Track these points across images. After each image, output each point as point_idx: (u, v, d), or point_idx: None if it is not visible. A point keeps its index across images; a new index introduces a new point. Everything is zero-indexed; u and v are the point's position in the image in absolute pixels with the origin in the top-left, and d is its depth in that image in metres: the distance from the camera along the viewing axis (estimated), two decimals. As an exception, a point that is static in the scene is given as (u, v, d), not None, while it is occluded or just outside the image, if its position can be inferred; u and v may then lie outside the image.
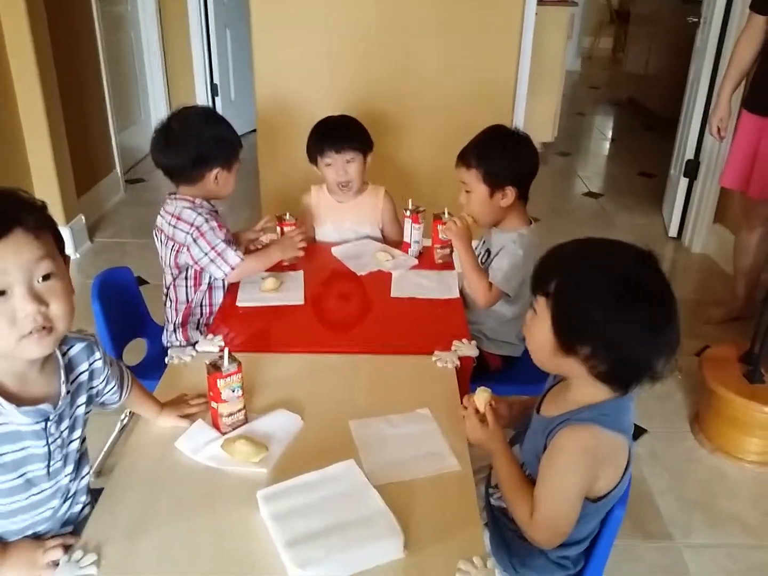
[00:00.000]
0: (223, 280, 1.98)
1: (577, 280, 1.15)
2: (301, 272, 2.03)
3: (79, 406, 1.16)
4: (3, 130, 3.11)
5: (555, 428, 1.20)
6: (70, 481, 1.16)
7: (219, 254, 1.91)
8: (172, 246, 1.96)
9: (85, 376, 1.17)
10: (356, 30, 3.06)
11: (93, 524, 1.12)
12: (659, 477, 2.20)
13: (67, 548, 1.07)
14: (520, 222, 1.96)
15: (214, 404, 1.31)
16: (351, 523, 1.10)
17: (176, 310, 2.03)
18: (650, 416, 2.45)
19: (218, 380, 1.27)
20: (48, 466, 1.09)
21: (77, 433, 1.16)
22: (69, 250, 3.47)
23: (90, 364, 1.18)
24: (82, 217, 3.62)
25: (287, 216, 2.15)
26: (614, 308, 1.10)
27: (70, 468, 1.15)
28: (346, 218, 2.32)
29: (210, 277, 2.00)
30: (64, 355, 1.13)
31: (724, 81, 2.77)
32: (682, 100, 4.02)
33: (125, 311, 2.00)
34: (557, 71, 5.35)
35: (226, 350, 1.30)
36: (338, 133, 2.23)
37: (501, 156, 1.88)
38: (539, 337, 1.19)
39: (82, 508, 1.21)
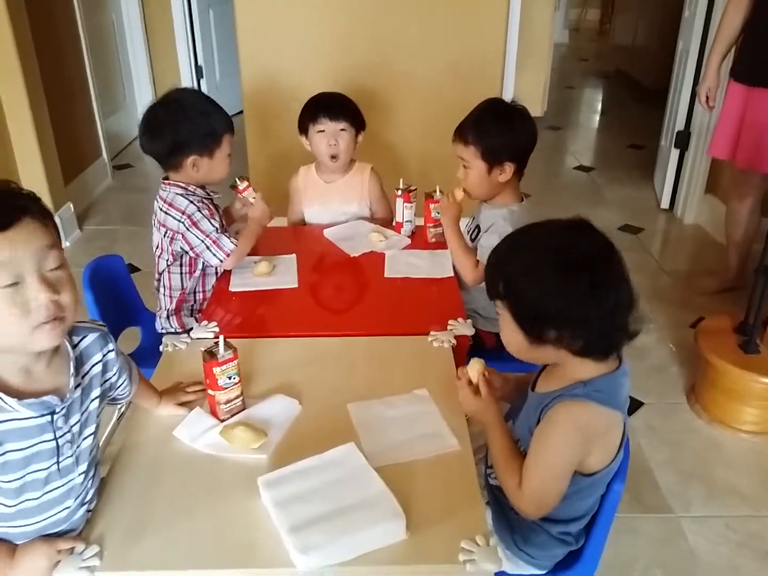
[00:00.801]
0: (216, 267, 1.97)
1: (517, 273, 1.18)
2: (293, 255, 2.02)
3: (92, 401, 1.12)
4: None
5: (549, 403, 1.20)
6: (85, 480, 1.12)
7: (214, 241, 1.90)
8: (165, 232, 1.94)
9: (98, 368, 1.14)
10: (341, 8, 3.02)
11: (94, 516, 1.12)
12: (657, 450, 2.21)
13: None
14: (511, 197, 1.95)
15: (211, 392, 1.30)
16: (353, 506, 1.10)
17: (170, 297, 2.02)
18: (646, 389, 2.46)
19: (214, 368, 1.26)
20: (57, 462, 1.06)
21: (90, 429, 1.12)
22: (58, 239, 3.44)
23: (104, 356, 1.15)
24: (71, 205, 3.58)
25: (237, 182, 2.07)
26: (559, 286, 1.13)
27: (83, 466, 1.11)
28: (334, 197, 2.31)
29: (203, 264, 1.98)
30: (75, 347, 1.10)
31: (712, 51, 2.75)
32: (671, 71, 3.99)
33: (118, 299, 1.98)
34: (545, 44, 5.32)
35: (222, 337, 1.29)
36: (334, 104, 2.24)
37: (499, 132, 1.86)
38: (511, 337, 1.22)
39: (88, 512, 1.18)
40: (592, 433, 1.18)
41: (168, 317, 2.02)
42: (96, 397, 1.13)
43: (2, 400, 0.99)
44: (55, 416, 1.04)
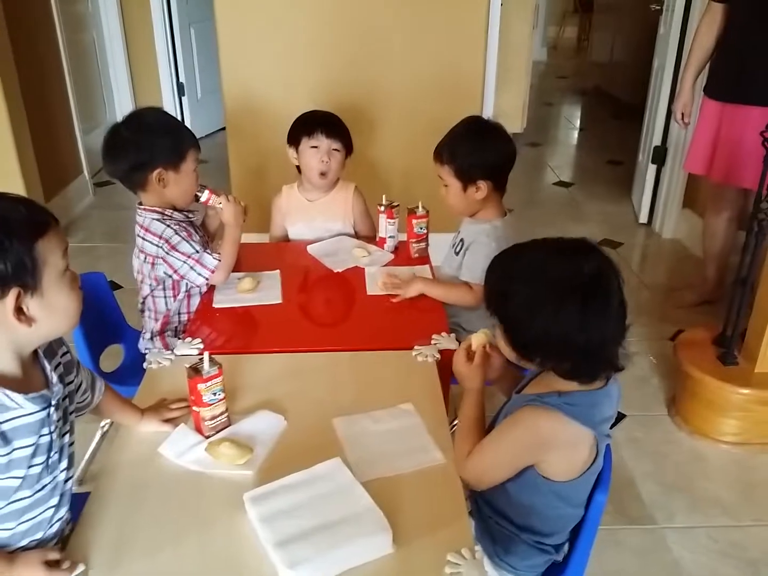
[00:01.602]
0: (200, 287, 1.95)
1: (511, 293, 1.21)
2: (277, 272, 2.02)
3: (63, 399, 1.15)
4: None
5: (524, 403, 1.24)
6: (66, 478, 1.14)
7: (197, 261, 1.89)
8: (145, 257, 1.93)
9: (60, 369, 1.16)
10: (323, 26, 3.05)
11: (79, 533, 1.12)
12: (639, 461, 2.23)
13: (57, 562, 1.06)
14: (494, 213, 1.97)
15: (196, 408, 1.29)
16: (339, 521, 1.10)
17: (155, 319, 2.01)
18: (628, 401, 2.48)
19: (199, 384, 1.26)
20: (48, 457, 1.09)
21: (67, 427, 1.15)
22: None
23: (61, 357, 1.18)
24: (51, 223, 3.55)
25: (198, 194, 1.98)
26: (550, 314, 1.15)
27: (64, 463, 1.14)
28: (318, 215, 2.31)
29: (187, 285, 1.98)
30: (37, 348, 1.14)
31: (686, 68, 2.81)
32: (647, 88, 4.06)
33: (100, 317, 1.97)
34: (524, 61, 5.38)
35: (206, 353, 1.29)
36: (331, 122, 2.25)
37: (471, 151, 1.88)
38: (504, 349, 1.29)
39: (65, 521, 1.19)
40: (550, 441, 1.22)
41: (152, 338, 2.00)
42: (65, 396, 1.15)
43: (9, 397, 1.02)
44: (51, 409, 1.08)
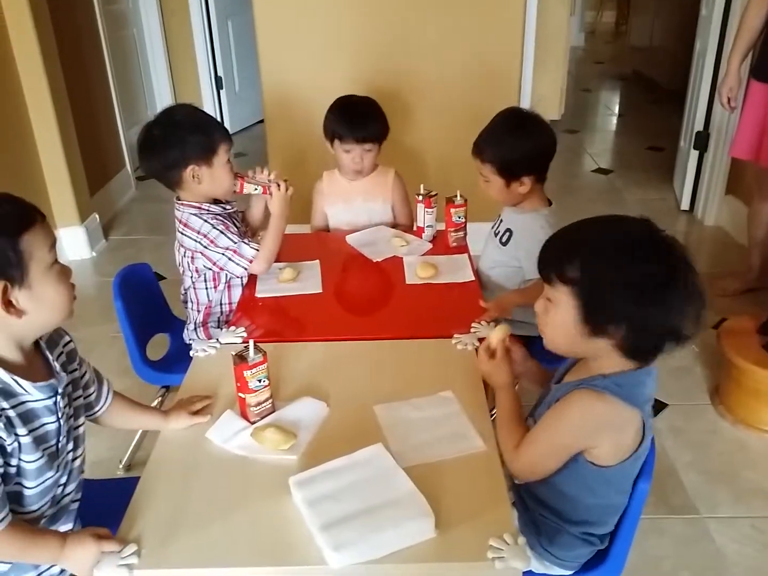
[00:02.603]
0: (242, 277, 1.99)
1: (599, 263, 1.14)
2: (317, 261, 2.05)
3: (67, 386, 1.20)
4: (15, 134, 3.14)
5: (571, 389, 1.22)
6: (73, 458, 1.21)
7: (235, 252, 1.92)
8: (184, 252, 1.97)
9: (63, 358, 1.22)
10: (359, 15, 3.06)
11: (131, 515, 1.15)
12: (681, 451, 2.21)
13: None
14: (539, 202, 1.96)
15: (241, 394, 1.33)
16: (382, 505, 1.12)
17: (197, 311, 2.05)
18: (670, 391, 2.46)
19: (245, 371, 1.29)
20: (58, 441, 1.15)
21: (71, 410, 1.20)
22: (85, 249, 3.50)
23: (63, 347, 1.23)
24: (96, 216, 3.65)
25: (235, 184, 1.99)
26: (636, 285, 1.11)
27: (71, 445, 1.20)
28: (358, 195, 2.35)
29: (227, 276, 2.01)
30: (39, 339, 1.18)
31: (733, 50, 2.75)
32: (688, 72, 3.98)
33: (147, 307, 2.02)
34: (562, 47, 5.32)
35: (252, 341, 1.32)
36: (359, 122, 2.23)
37: (513, 147, 1.86)
38: (561, 325, 1.20)
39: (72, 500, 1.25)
40: (603, 424, 1.20)
41: (195, 329, 2.05)
42: (68, 383, 1.21)
43: (17, 383, 1.07)
44: (58, 397, 1.14)
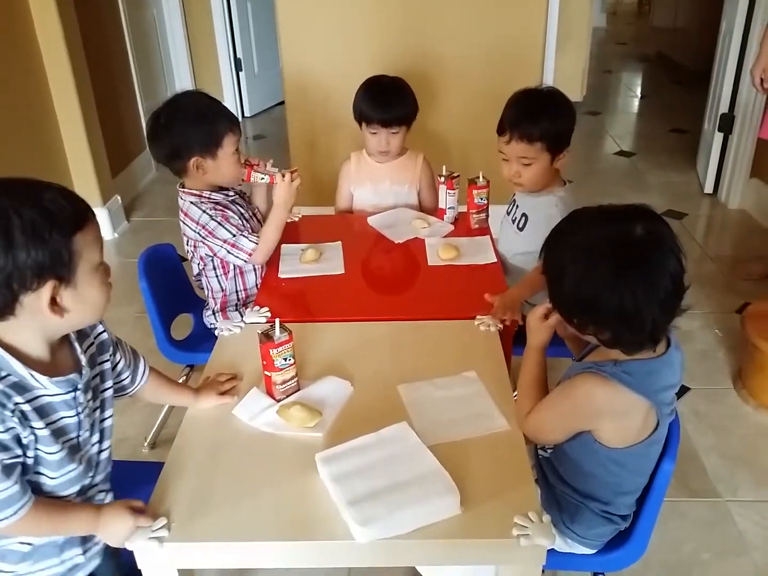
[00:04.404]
0: (244, 266, 1.99)
1: (551, 257, 1.23)
2: (339, 243, 2.05)
3: (95, 377, 1.18)
4: (37, 115, 3.16)
5: (581, 370, 1.24)
6: (99, 451, 1.19)
7: (233, 245, 1.90)
8: (187, 240, 1.97)
9: (93, 349, 1.19)
10: (381, -5, 3.04)
11: (160, 490, 1.17)
12: (703, 435, 2.20)
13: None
14: (555, 183, 1.95)
15: (267, 373, 1.34)
16: (408, 482, 1.13)
17: (213, 298, 2.05)
18: (692, 374, 2.45)
19: (271, 349, 1.31)
20: (78, 435, 1.13)
21: (98, 403, 1.18)
22: (107, 230, 3.53)
23: (95, 337, 1.20)
24: (118, 198, 3.67)
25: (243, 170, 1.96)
26: (586, 277, 1.14)
27: (96, 437, 1.18)
28: (386, 178, 2.34)
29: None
30: None
31: (766, 31, 2.69)
32: (713, 53, 3.92)
33: (171, 287, 2.04)
34: (584, 28, 5.26)
35: (277, 320, 1.33)
36: (386, 105, 2.21)
37: (563, 119, 1.86)
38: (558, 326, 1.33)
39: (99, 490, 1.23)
40: (603, 409, 1.22)
41: (214, 314, 2.06)
42: (96, 375, 1.19)
43: (33, 377, 1.05)
44: (77, 392, 1.11)
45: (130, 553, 1.10)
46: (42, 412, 1.06)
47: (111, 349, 1.23)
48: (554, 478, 1.37)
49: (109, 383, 1.21)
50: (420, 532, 1.08)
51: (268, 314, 1.66)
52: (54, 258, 0.99)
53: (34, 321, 1.03)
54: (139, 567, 1.11)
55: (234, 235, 1.90)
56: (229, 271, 2.01)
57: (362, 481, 1.12)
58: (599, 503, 1.32)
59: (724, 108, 3.68)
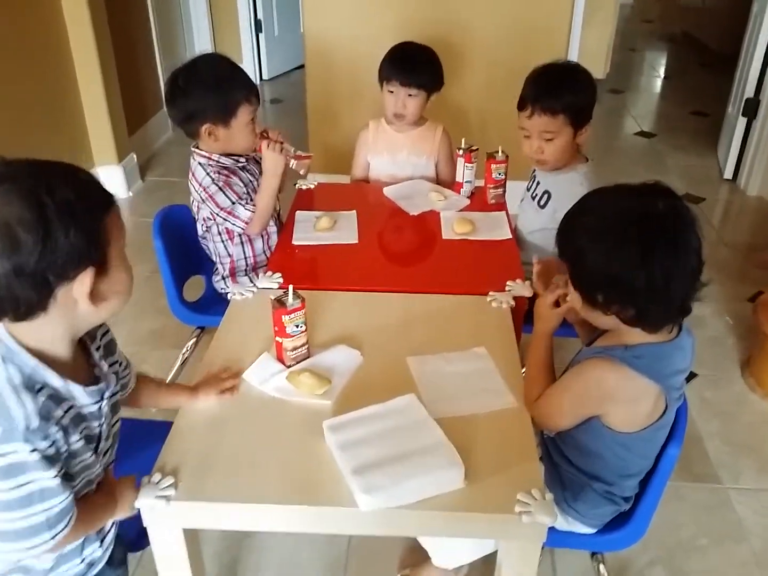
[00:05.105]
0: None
1: (578, 233, 1.20)
2: (354, 212, 2.04)
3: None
4: (57, 72, 3.14)
5: (591, 355, 1.25)
6: (105, 452, 1.11)
7: (229, 213, 1.90)
8: (192, 200, 1.97)
9: (101, 352, 1.10)
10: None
11: (168, 449, 1.18)
12: (708, 420, 2.20)
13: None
14: (576, 159, 1.92)
15: (279, 339, 1.34)
16: (413, 453, 1.14)
17: (221, 264, 2.05)
18: (700, 360, 2.44)
19: (283, 316, 1.31)
20: (98, 445, 1.06)
21: (117, 416, 1.13)
22: (122, 188, 3.53)
23: (100, 339, 1.11)
24: (134, 156, 3.66)
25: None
26: (611, 251, 1.13)
27: (109, 442, 1.11)
28: (403, 147, 2.32)
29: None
30: None
31: None
32: (742, 35, 3.84)
33: (184, 249, 2.03)
34: (611, 3, 5.16)
35: (291, 287, 1.33)
36: (409, 66, 2.20)
37: (585, 92, 1.85)
38: (573, 296, 1.26)
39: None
40: (613, 393, 1.22)
41: (223, 279, 2.06)
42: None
43: (68, 388, 0.97)
44: (103, 402, 1.04)
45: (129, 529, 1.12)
46: (77, 423, 0.99)
47: (116, 349, 1.16)
48: (559, 456, 1.38)
49: (118, 386, 1.12)
50: (423, 504, 1.09)
51: (281, 280, 1.66)
52: (90, 242, 0.91)
53: (65, 316, 0.95)
54: (145, 525, 1.13)
55: (233, 203, 1.90)
56: (234, 237, 2.00)
57: (368, 451, 1.13)
58: (603, 483, 1.32)
59: (750, 92, 3.61)
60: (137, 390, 1.27)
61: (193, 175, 1.93)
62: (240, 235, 1.99)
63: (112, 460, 1.16)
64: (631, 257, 1.11)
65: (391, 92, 2.22)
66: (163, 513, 1.10)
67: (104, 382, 1.05)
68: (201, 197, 1.91)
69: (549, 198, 1.95)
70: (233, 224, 1.93)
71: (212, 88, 1.83)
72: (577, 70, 1.89)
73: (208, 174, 1.90)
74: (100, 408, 1.04)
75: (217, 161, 1.92)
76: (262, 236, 2.02)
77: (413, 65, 2.21)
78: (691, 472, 2.01)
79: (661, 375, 1.20)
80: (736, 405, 2.29)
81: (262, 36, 5.24)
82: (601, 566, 1.53)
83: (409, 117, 2.26)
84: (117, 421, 1.14)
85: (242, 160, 1.97)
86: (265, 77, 5.36)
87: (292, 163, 1.95)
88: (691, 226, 1.14)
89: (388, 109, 2.26)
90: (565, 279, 1.31)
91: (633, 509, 1.36)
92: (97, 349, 1.09)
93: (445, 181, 2.31)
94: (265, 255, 2.03)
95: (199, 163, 1.92)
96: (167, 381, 2.13)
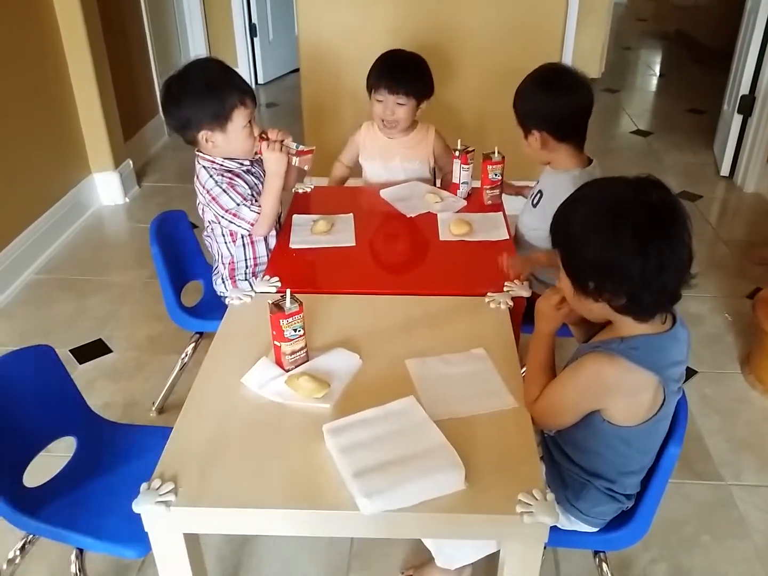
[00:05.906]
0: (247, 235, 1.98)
1: (571, 221, 1.21)
2: (351, 215, 2.04)
3: None
4: (51, 77, 3.13)
5: (588, 350, 1.25)
6: None
7: (235, 215, 1.90)
8: (197, 202, 1.97)
9: None
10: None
11: (168, 455, 1.18)
12: (709, 418, 2.20)
13: None
14: (573, 162, 1.92)
15: (277, 342, 1.34)
16: (414, 455, 1.14)
17: (222, 263, 2.04)
18: (699, 358, 2.44)
19: (281, 320, 1.31)
20: None
21: None
22: (119, 194, 3.53)
23: None
24: (130, 162, 3.66)
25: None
26: (604, 239, 1.14)
27: None
28: (396, 154, 2.32)
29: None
30: None
31: None
32: (736, 32, 3.85)
33: (182, 254, 2.04)
34: (604, 3, 5.17)
35: (288, 291, 1.33)
36: (397, 75, 2.19)
37: (525, 101, 1.87)
38: (564, 285, 1.26)
39: None
40: (612, 387, 1.22)
41: (223, 281, 2.05)
42: None
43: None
44: None
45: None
46: None
47: None
48: (560, 455, 1.37)
49: None
50: (424, 506, 1.09)
51: (279, 284, 1.66)
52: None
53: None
54: (146, 530, 1.13)
55: (238, 204, 1.89)
56: (236, 239, 2.00)
57: (368, 454, 1.13)
58: (605, 481, 1.32)
59: (744, 89, 3.62)
60: None
61: (197, 178, 1.93)
62: (242, 236, 1.99)
63: None
64: (626, 244, 1.12)
65: (380, 101, 2.21)
66: (164, 518, 1.10)
67: None
68: (205, 200, 1.91)
69: (541, 197, 1.96)
70: (239, 226, 1.92)
71: (204, 94, 1.81)
72: (546, 83, 1.87)
73: (211, 176, 1.90)
74: None
75: (221, 165, 1.92)
76: (265, 239, 2.02)
77: (401, 72, 2.20)
78: (693, 470, 2.01)
79: (658, 366, 1.20)
80: (737, 402, 2.28)
81: (257, 40, 5.24)
82: (604, 565, 1.53)
83: (399, 126, 2.26)
84: None
85: (246, 163, 1.97)
86: (260, 81, 5.36)
87: (295, 160, 1.94)
88: (683, 218, 1.15)
89: (378, 118, 2.26)
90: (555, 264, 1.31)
91: (635, 508, 1.36)
92: None
93: (450, 172, 2.25)
94: (266, 258, 2.03)
95: (203, 167, 1.92)
96: (166, 386, 2.15)
